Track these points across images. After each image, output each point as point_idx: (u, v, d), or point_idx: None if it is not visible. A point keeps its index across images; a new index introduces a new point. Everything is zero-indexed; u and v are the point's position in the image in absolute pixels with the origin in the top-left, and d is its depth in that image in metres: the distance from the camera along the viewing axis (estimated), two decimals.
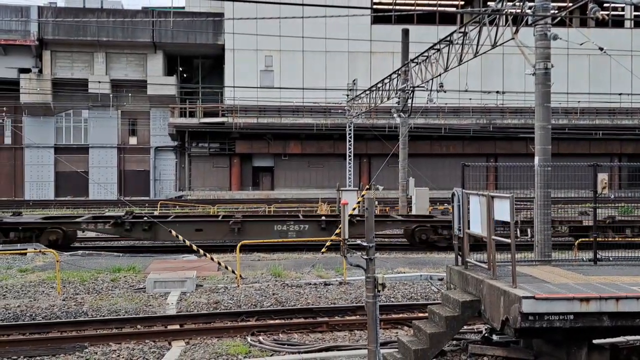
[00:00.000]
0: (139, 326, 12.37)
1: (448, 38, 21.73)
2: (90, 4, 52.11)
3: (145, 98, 50.71)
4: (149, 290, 15.41)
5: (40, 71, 49.31)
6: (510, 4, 16.56)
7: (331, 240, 21.23)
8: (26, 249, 21.46)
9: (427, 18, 48.14)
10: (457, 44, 20.96)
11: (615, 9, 50.51)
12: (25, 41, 47.93)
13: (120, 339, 11.50)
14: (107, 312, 13.47)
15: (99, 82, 47.50)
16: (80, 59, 50.16)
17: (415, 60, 25.66)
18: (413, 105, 28.73)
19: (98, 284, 16.51)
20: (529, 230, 20.30)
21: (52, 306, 13.90)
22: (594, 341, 8.86)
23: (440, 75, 22.86)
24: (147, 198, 49.34)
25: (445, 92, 24.28)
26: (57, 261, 15.74)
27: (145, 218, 23.66)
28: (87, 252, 23.17)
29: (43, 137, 49.82)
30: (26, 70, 49.31)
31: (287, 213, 33.07)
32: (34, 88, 47.81)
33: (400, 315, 13.19)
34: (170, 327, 12.27)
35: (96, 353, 10.78)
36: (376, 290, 8.83)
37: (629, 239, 23.21)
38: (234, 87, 44.86)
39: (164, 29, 48.18)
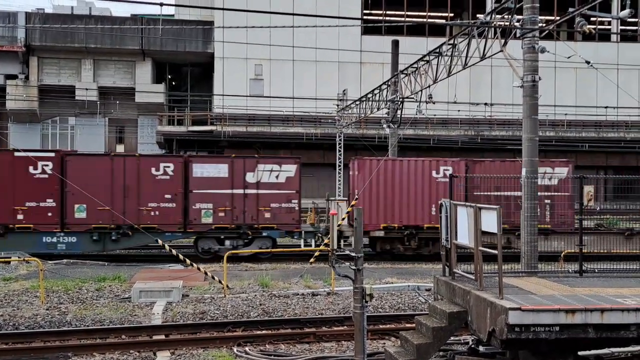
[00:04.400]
0: (123, 336, 12.29)
1: (437, 50, 21.83)
2: (79, 10, 51.94)
3: (133, 105, 50.49)
4: (134, 299, 15.32)
5: (27, 77, 49.02)
6: (499, 17, 16.67)
7: (320, 251, 21.19)
8: (10, 257, 21.30)
9: (416, 30, 48.31)
10: (446, 55, 21.06)
11: (602, 23, 50.86)
12: (12, 47, 47.64)
13: (105, 349, 11.42)
14: (92, 321, 13.37)
15: (87, 89, 47.22)
16: (67, 66, 49.90)
17: (405, 72, 25.76)
18: (402, 116, 28.82)
19: (82, 293, 16.40)
20: None
21: (35, 315, 13.79)
22: (580, 353, 8.85)
23: (429, 86, 22.95)
24: None
25: (434, 103, 24.38)
26: (41, 270, 15.62)
27: None
28: (71, 261, 23.02)
29: (29, 143, 49.40)
30: (13, 77, 48.98)
31: None
32: (20, 94, 47.52)
33: (388, 326, 13.18)
34: (155, 338, 12.20)
35: None
36: (364, 300, 8.82)
37: (614, 252, 23.42)
38: (223, 95, 44.82)
39: (152, 36, 48.04)
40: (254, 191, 24.06)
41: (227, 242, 23.98)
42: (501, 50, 15.73)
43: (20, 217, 22.93)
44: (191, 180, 23.79)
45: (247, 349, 11.44)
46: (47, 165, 23.05)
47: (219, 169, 23.95)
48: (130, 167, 23.65)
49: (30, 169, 22.97)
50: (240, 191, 23.98)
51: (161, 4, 14.44)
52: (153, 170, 23.60)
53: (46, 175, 22.98)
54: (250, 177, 24.11)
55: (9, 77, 49.04)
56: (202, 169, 23.92)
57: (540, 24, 14.72)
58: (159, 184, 23.61)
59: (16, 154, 23.29)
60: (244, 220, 23.97)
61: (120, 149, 52.87)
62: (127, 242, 23.81)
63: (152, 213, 23.47)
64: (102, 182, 23.31)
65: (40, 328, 12.82)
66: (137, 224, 22.56)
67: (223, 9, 29.67)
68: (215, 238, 24.12)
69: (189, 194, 23.72)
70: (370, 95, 30.91)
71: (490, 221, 8.73)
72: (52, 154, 23.75)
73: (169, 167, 23.72)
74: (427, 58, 22.90)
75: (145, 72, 50.36)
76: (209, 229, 23.88)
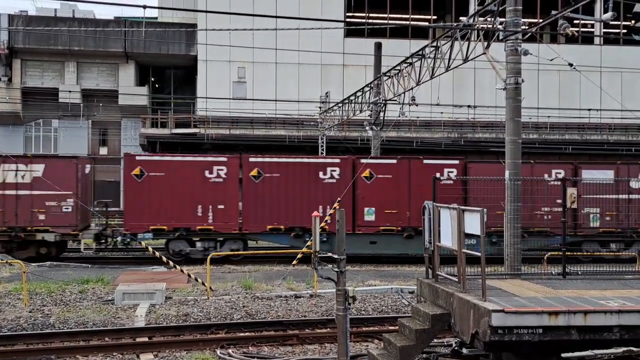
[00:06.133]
0: (106, 338, 12.23)
1: (420, 52, 21.86)
2: (62, 13, 51.58)
3: (116, 108, 50.23)
4: (117, 302, 15.24)
5: (10, 80, 48.65)
6: (482, 19, 16.73)
7: (302, 252, 21.16)
8: None
9: (399, 32, 48.41)
10: (429, 58, 21.09)
11: (585, 25, 51.27)
12: None
13: (88, 351, 11.35)
14: (75, 324, 13.28)
15: (70, 91, 46.91)
16: (50, 68, 49.58)
17: (388, 74, 25.79)
18: (385, 118, 28.83)
19: (66, 295, 16.28)
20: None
21: (18, 318, 13.68)
22: (563, 355, 8.90)
23: (412, 88, 22.97)
24: (117, 209, 48.73)
25: (417, 105, 24.40)
26: (24, 272, 15.51)
27: None
28: (54, 263, 22.87)
29: (12, 146, 48.95)
30: None
31: None
32: (3, 97, 47.12)
33: (371, 328, 13.18)
34: (138, 340, 12.14)
35: None
36: (347, 303, 8.82)
37: (598, 254, 23.68)
38: (206, 98, 44.67)
39: (136, 39, 47.84)
40: (637, 196, 24.66)
41: (612, 245, 24.61)
42: (484, 53, 15.78)
43: None
44: (581, 185, 24.16)
45: (230, 351, 11.41)
46: (451, 172, 24.55)
47: (606, 175, 24.80)
48: (524, 173, 24.29)
49: (438, 175, 24.03)
50: (624, 196, 24.58)
51: (144, 7, 14.39)
52: (546, 175, 24.72)
53: (451, 182, 24.14)
54: (633, 183, 24.67)
55: None
56: (590, 175, 24.46)
57: (523, 27, 14.80)
58: (551, 188, 24.08)
59: (425, 161, 25.14)
60: (628, 224, 24.59)
61: (103, 151, 52.63)
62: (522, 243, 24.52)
63: (545, 217, 24.19)
64: (497, 187, 24.17)
65: (23, 330, 12.72)
66: (532, 228, 23.70)
67: (206, 11, 29.63)
68: (599, 242, 24.90)
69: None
70: (352, 98, 30.92)
71: (473, 223, 8.76)
72: (457, 162, 25.07)
73: (560, 173, 24.69)
74: (409, 60, 22.94)
75: (129, 75, 50.13)
76: (596, 233, 24.68)
